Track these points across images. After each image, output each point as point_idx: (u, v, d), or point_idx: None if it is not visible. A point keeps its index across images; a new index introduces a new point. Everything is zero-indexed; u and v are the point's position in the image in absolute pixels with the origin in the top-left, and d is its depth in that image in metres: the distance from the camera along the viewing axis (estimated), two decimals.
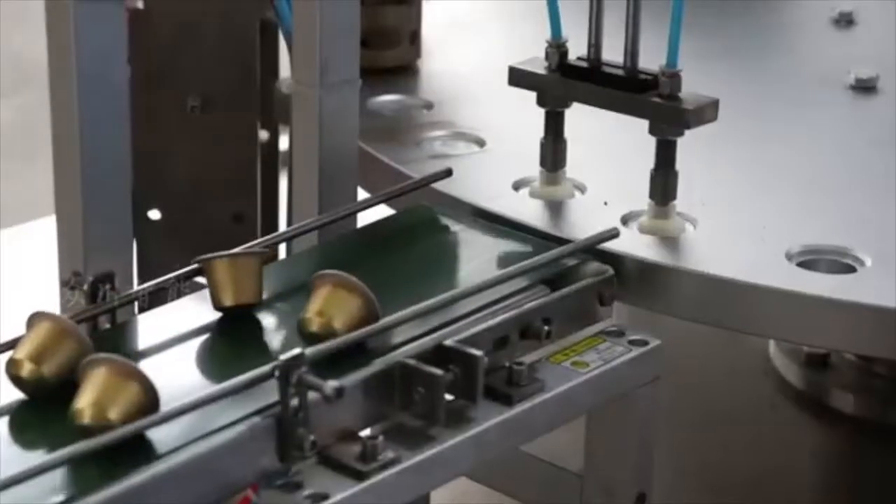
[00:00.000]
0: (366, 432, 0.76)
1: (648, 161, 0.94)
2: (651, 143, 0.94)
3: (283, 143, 1.26)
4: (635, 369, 0.86)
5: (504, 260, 0.89)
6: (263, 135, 1.23)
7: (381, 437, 0.75)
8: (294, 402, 0.72)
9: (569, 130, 0.98)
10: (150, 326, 0.81)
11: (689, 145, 0.95)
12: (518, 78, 0.97)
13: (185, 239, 1.19)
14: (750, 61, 1.22)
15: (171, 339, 0.79)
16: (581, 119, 0.99)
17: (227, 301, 0.81)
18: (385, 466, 0.74)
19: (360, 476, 0.74)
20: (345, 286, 0.78)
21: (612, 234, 0.91)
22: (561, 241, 0.91)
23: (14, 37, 2.93)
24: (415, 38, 1.19)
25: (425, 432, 0.77)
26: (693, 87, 0.93)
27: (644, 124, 0.93)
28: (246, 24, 1.17)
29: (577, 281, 0.88)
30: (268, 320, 0.82)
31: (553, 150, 0.98)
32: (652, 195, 0.94)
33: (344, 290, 0.78)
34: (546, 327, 0.84)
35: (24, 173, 2.54)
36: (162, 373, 0.73)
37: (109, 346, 0.75)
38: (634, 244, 0.92)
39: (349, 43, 0.94)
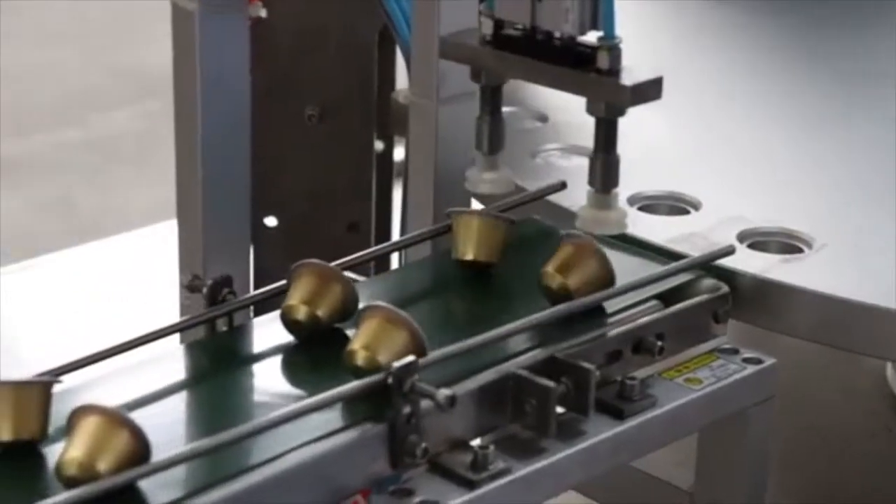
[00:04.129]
0: (477, 442, 0.76)
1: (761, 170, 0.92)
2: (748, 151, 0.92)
3: (399, 153, 1.27)
4: (749, 388, 0.86)
5: (617, 274, 0.89)
6: (379, 145, 1.24)
7: (492, 447, 0.75)
8: (406, 409, 0.73)
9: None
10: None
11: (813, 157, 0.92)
12: (449, 50, 0.89)
13: (301, 246, 1.20)
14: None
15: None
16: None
17: (469, 256, 0.85)
18: (495, 476, 0.74)
19: (470, 485, 0.74)
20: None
21: (729, 251, 0.90)
22: (676, 257, 0.90)
23: (138, 49, 2.98)
24: None
25: (536, 444, 0.77)
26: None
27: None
28: (365, 36, 1.18)
29: (691, 297, 0.87)
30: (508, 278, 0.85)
31: (490, 131, 0.90)
32: (591, 181, 0.87)
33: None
34: (659, 343, 0.84)
35: (150, 179, 2.58)
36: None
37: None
38: (752, 261, 0.91)
39: None
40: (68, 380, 0.75)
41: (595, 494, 0.95)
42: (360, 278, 0.85)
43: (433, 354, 0.75)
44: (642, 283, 0.86)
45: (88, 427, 0.65)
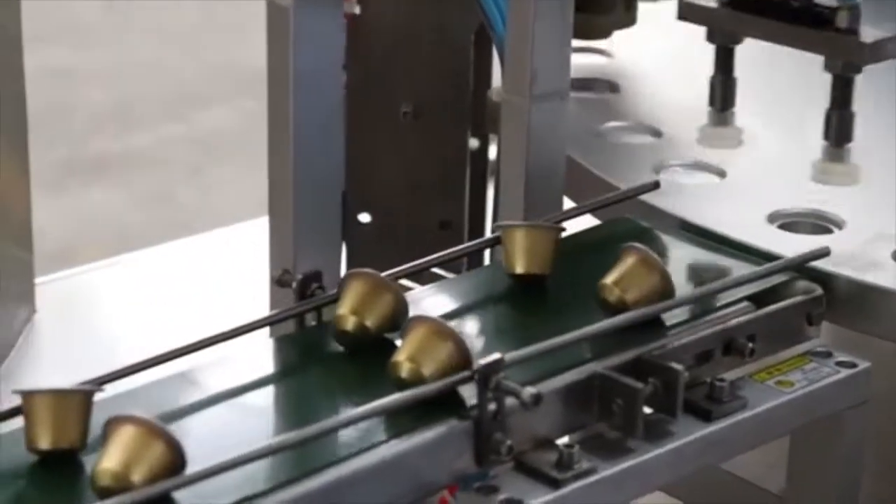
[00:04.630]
0: (562, 441, 0.76)
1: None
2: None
3: (493, 151, 1.26)
4: (842, 391, 0.84)
5: (708, 274, 0.88)
6: (473, 143, 1.24)
7: (577, 447, 0.75)
8: (492, 406, 0.73)
9: None
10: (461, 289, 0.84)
11: None
12: (687, 12, 0.94)
13: (393, 243, 1.20)
14: None
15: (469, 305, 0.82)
16: None
17: (519, 269, 0.84)
18: (581, 476, 0.74)
19: (555, 484, 0.74)
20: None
21: (823, 253, 0.89)
22: (768, 258, 0.89)
23: (231, 46, 3.01)
24: (630, 2, 1.15)
25: (623, 444, 0.77)
26: None
27: None
28: (461, 33, 1.18)
29: (784, 299, 0.86)
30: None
31: (723, 89, 0.95)
32: (826, 136, 0.91)
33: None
34: (750, 344, 0.83)
35: (248, 175, 2.61)
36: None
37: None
38: (846, 263, 0.90)
39: (560, 55, 0.94)
40: (149, 376, 0.76)
41: (682, 495, 0.94)
42: (415, 286, 0.84)
43: (518, 353, 0.75)
44: (734, 284, 0.85)
45: (122, 437, 0.65)
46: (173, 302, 1.32)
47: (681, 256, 0.91)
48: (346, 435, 0.71)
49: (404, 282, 0.86)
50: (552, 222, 0.90)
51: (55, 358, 1.26)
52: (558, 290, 0.85)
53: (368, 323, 0.77)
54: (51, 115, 2.68)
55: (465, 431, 0.73)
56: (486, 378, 0.72)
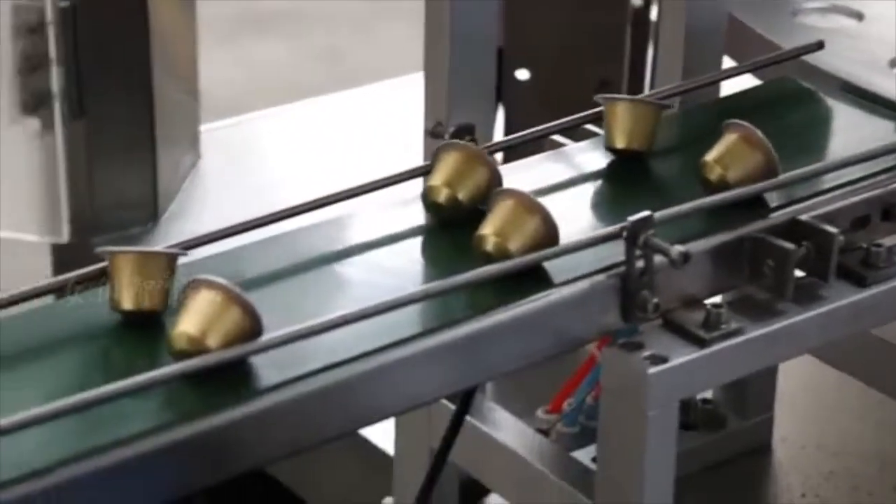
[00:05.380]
0: (711, 301, 0.76)
1: None
2: None
3: (655, 13, 1.25)
4: None
5: (870, 137, 0.86)
6: (637, 1, 1.22)
7: (725, 307, 0.74)
8: (640, 263, 0.73)
9: None
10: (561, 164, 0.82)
11: None
12: None
13: (551, 100, 1.20)
14: None
15: (567, 179, 0.81)
16: None
17: (620, 144, 0.82)
18: (728, 336, 0.74)
19: (701, 343, 0.73)
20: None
21: None
22: None
23: None
24: None
25: (772, 306, 0.76)
26: None
27: None
28: None
29: None
30: (660, 167, 0.82)
31: None
32: None
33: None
34: None
35: (415, 31, 2.60)
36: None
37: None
38: None
39: None
40: (299, 222, 0.75)
41: (832, 360, 0.93)
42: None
43: (667, 211, 0.74)
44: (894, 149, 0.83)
45: (200, 302, 0.65)
46: (332, 151, 1.34)
47: (840, 117, 0.89)
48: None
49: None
50: (709, 82, 0.88)
51: (218, 201, 1.30)
52: (659, 167, 0.82)
53: (460, 195, 0.76)
54: None
55: (611, 287, 0.73)
56: (634, 235, 0.72)
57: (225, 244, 0.74)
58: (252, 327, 0.65)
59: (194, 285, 0.65)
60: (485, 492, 1.00)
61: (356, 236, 0.76)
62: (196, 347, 0.64)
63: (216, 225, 0.75)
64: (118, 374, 0.63)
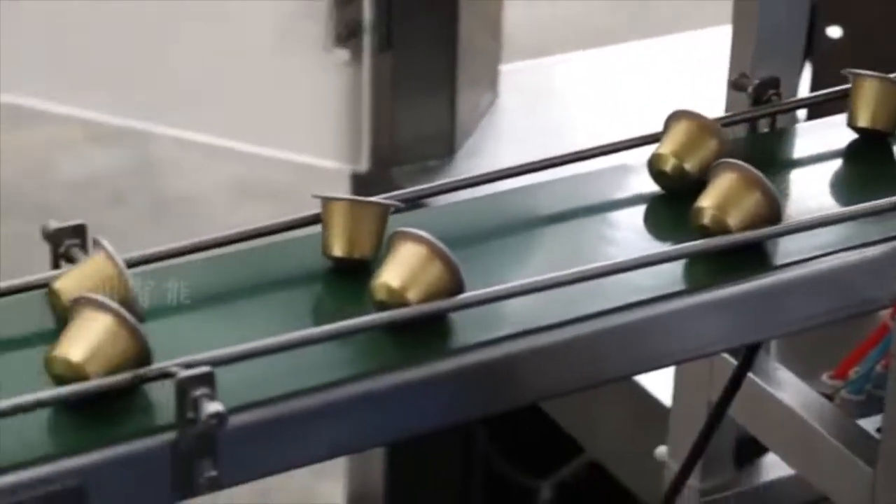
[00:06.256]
0: None
1: None
2: None
3: None
4: None
5: None
6: None
7: None
8: None
9: None
10: (814, 135, 0.80)
11: None
12: None
13: (863, 61, 1.16)
14: None
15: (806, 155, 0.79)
16: None
17: (863, 122, 0.78)
18: None
19: None
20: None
21: None
22: None
23: None
24: None
25: None
26: None
27: None
28: None
29: None
30: None
31: None
32: None
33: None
34: None
35: None
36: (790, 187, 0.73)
37: (747, 152, 0.75)
38: None
39: None
40: (586, 166, 0.74)
41: None
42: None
43: None
44: None
45: (403, 254, 0.64)
46: (629, 100, 1.33)
47: None
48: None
49: None
50: None
51: (513, 140, 1.31)
52: None
53: (688, 166, 0.73)
54: None
55: None
56: None
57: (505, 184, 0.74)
58: (454, 284, 0.64)
59: (400, 237, 0.65)
60: (761, 451, 0.98)
61: (576, 199, 0.75)
62: (396, 299, 0.64)
63: (510, 163, 0.75)
64: (324, 319, 0.64)
